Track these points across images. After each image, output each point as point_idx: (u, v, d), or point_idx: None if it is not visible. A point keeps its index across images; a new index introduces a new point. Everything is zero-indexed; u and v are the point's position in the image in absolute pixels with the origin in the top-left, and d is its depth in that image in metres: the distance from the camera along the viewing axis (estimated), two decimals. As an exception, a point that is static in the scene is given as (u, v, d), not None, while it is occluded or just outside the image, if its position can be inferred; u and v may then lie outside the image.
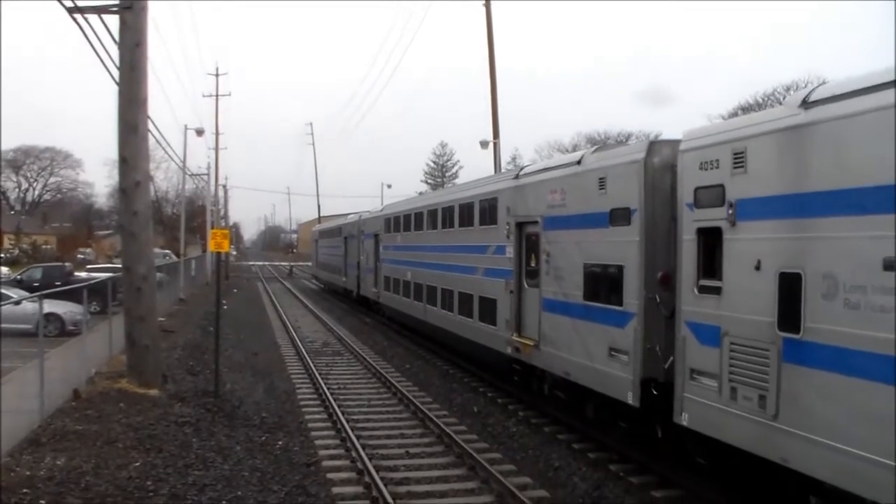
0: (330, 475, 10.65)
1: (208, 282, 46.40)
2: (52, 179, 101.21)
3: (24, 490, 8.58)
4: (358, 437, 12.34)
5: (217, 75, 59.10)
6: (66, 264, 41.04)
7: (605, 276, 11.28)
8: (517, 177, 15.26)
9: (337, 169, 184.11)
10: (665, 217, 10.04)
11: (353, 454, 11.55)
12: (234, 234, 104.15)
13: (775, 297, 7.67)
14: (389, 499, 9.53)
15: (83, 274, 34.40)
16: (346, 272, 38.82)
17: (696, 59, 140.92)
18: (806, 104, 7.49)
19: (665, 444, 10.45)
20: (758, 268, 7.94)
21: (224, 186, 71.26)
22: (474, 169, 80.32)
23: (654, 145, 10.57)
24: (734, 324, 8.34)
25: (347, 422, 13.37)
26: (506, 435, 13.11)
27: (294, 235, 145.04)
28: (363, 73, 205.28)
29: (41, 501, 8.38)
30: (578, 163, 12.38)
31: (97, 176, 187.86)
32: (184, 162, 49.48)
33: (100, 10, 13.99)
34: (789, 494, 7.97)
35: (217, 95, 59.49)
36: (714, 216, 8.69)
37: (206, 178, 60.76)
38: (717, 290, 8.68)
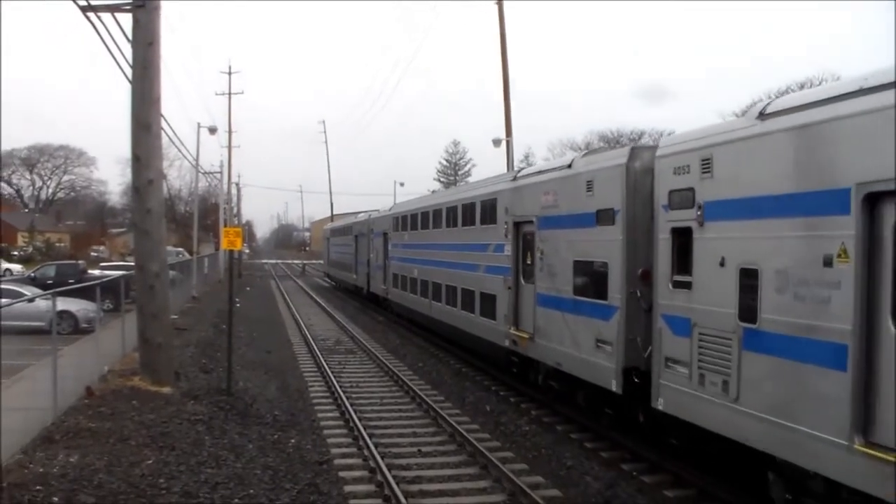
0: (342, 473, 10.64)
1: (221, 279, 46.45)
2: (65, 177, 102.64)
3: (38, 487, 8.60)
4: (370, 436, 12.36)
5: (230, 73, 59.25)
6: (80, 262, 40.94)
7: (592, 273, 12.08)
8: (515, 179, 16.11)
9: (350, 167, 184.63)
10: (646, 217, 10.78)
11: (366, 452, 11.56)
12: (247, 232, 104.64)
13: (737, 291, 8.45)
14: (402, 497, 9.52)
15: (96, 272, 34.69)
16: (356, 270, 39.68)
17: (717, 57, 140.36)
18: (762, 115, 8.26)
19: (646, 429, 11.25)
20: (722, 264, 8.72)
21: (237, 184, 71.56)
22: (487, 167, 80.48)
23: (636, 150, 11.35)
24: (702, 316, 9.12)
25: (360, 420, 13.40)
26: (518, 433, 13.09)
27: (307, 233, 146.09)
28: (377, 70, 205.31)
29: (54, 498, 8.40)
30: (569, 166, 13.23)
31: (110, 174, 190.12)
32: (196, 160, 50.20)
33: (113, 9, 13.98)
34: (753, 472, 8.77)
35: (230, 93, 59.73)
36: (685, 217, 9.47)
37: (218, 176, 61.27)
38: (688, 285, 9.46)
